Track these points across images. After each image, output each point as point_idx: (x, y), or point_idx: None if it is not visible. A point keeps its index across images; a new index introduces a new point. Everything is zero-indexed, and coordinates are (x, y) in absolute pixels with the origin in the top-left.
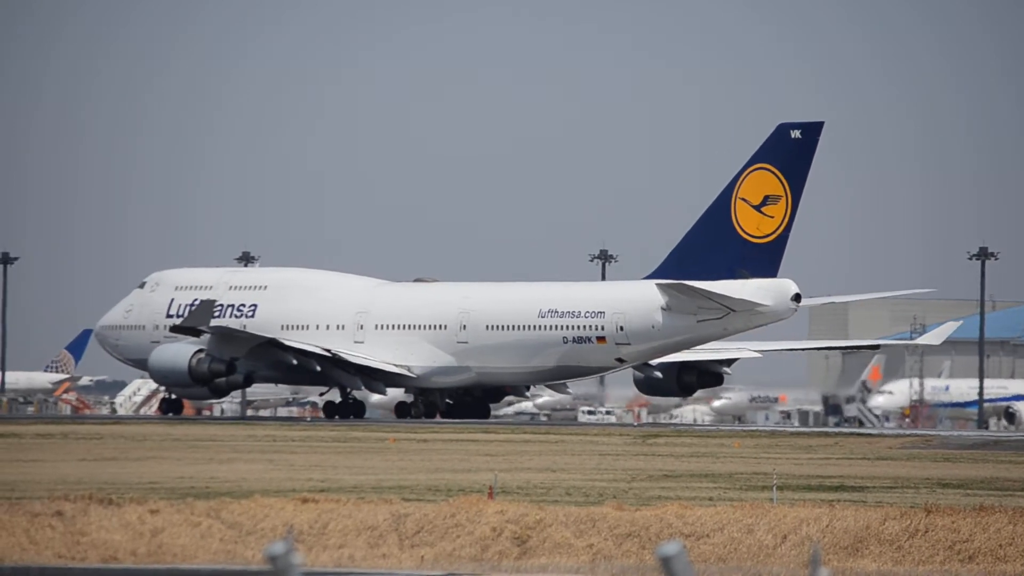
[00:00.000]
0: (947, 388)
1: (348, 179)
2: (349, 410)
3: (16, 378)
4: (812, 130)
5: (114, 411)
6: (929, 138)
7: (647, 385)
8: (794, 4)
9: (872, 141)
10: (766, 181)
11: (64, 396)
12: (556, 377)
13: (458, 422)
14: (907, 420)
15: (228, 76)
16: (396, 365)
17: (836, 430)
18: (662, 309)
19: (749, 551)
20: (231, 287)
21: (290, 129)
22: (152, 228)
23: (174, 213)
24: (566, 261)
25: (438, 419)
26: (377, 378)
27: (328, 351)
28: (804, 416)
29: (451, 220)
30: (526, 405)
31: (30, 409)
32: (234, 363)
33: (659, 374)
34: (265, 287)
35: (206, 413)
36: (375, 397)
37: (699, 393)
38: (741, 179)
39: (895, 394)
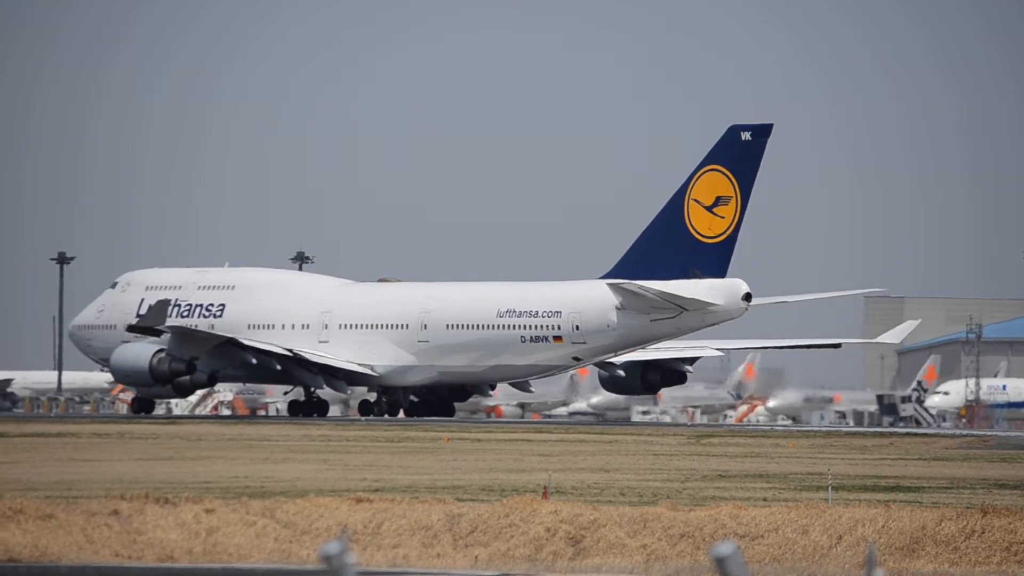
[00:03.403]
0: (1004, 388)
1: (334, 180)
2: (313, 408)
3: (73, 378)
4: (762, 132)
5: (170, 411)
6: (928, 138)
7: (611, 384)
8: (786, 4)
9: (871, 141)
10: (718, 182)
11: (121, 396)
12: (515, 376)
13: (422, 420)
14: (963, 420)
15: (223, 76)
16: (359, 364)
17: (891, 430)
18: (616, 308)
19: (804, 552)
20: (200, 287)
21: (283, 131)
22: (203, 226)
23: (175, 212)
24: (538, 259)
25: (401, 417)
26: (339, 377)
27: (290, 351)
28: (859, 416)
29: (429, 220)
30: (580, 405)
31: (87, 408)
32: (194, 362)
33: (622, 373)
34: (233, 287)
35: (260, 413)
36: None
37: (755, 391)
38: (694, 180)
39: (951, 394)
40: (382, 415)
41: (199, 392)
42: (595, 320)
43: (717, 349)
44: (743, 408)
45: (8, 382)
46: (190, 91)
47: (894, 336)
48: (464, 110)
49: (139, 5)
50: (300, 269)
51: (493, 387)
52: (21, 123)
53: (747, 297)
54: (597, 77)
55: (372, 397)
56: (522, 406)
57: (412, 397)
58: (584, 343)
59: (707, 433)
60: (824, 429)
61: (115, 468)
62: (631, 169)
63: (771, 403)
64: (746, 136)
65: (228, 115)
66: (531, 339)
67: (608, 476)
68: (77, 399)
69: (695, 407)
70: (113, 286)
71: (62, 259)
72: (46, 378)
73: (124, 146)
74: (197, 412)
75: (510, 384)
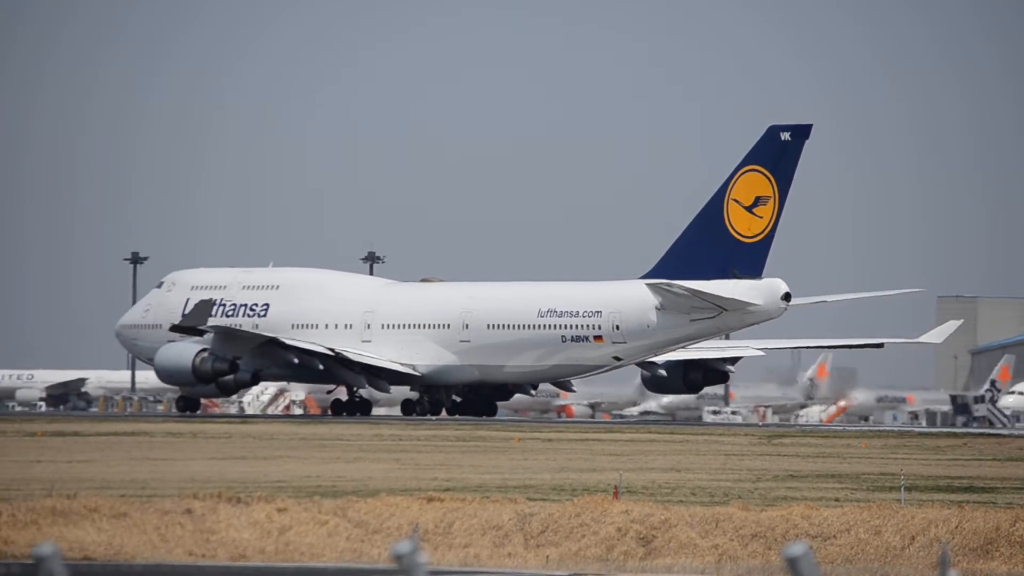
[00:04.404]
0: None
1: (358, 179)
2: (356, 408)
3: (146, 377)
4: (801, 132)
5: (242, 410)
6: (931, 138)
7: (653, 383)
8: (792, 4)
9: (872, 141)
10: (757, 182)
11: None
12: (556, 375)
13: (464, 420)
14: None
15: (225, 77)
16: (401, 364)
17: (965, 430)
18: (656, 308)
19: (876, 552)
20: (244, 287)
21: (295, 130)
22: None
23: (241, 212)
24: (568, 260)
25: (444, 416)
26: (381, 376)
27: (332, 350)
28: (932, 416)
29: (462, 220)
30: (650, 405)
31: (160, 408)
32: (236, 362)
33: (664, 372)
34: (277, 287)
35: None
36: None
37: (825, 393)
38: (733, 180)
39: None
40: (424, 415)
41: (271, 391)
42: (635, 320)
43: (759, 349)
44: (833, 408)
45: (83, 381)
46: (193, 91)
47: (936, 336)
48: (499, 110)
49: (141, 5)
50: (371, 269)
51: (535, 387)
52: (75, 121)
53: (786, 297)
54: (629, 76)
55: (415, 396)
56: (592, 406)
57: (455, 397)
58: (624, 343)
59: (778, 433)
60: (897, 429)
61: (188, 467)
62: (670, 169)
63: (843, 403)
64: (785, 136)
65: (228, 114)
66: (572, 339)
67: (679, 476)
68: (151, 398)
69: (766, 407)
70: (159, 286)
71: (135, 259)
72: (120, 377)
73: (188, 146)
74: (269, 411)
75: (552, 384)
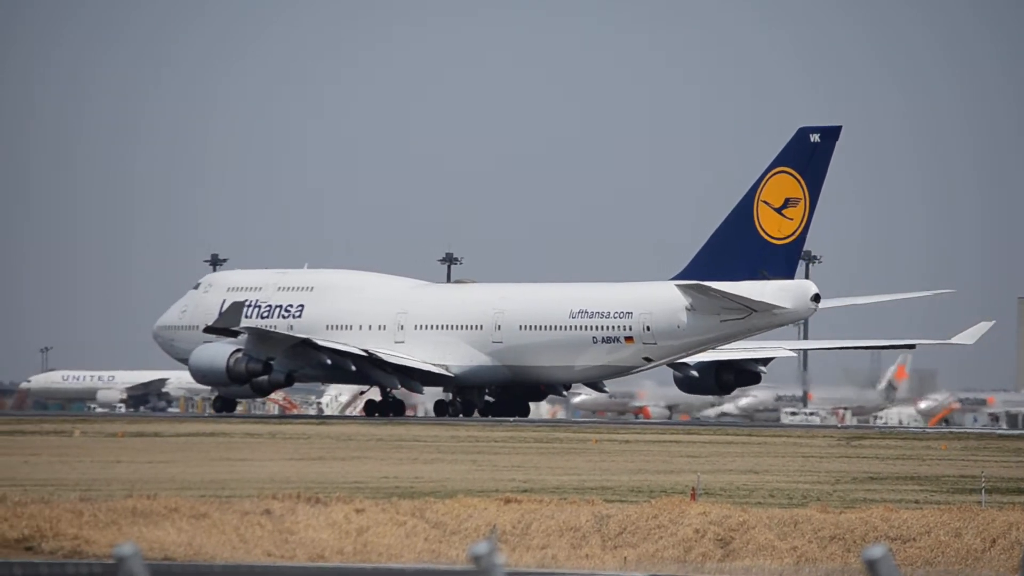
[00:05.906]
0: None
1: (417, 182)
2: (389, 408)
3: None
4: (831, 134)
5: (321, 411)
6: (933, 141)
7: (685, 384)
8: (805, 9)
9: (882, 146)
10: (787, 184)
11: (271, 396)
12: (587, 376)
13: (496, 420)
14: None
15: (229, 77)
16: (434, 364)
17: None
18: (686, 309)
19: (957, 555)
20: (280, 288)
21: (303, 130)
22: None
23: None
24: (595, 261)
25: (476, 417)
26: (414, 377)
27: (365, 351)
28: (1013, 419)
29: (501, 223)
30: (728, 407)
31: (239, 408)
32: (270, 362)
33: (696, 373)
34: (311, 288)
35: (408, 414)
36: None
37: (904, 394)
38: (763, 182)
39: None
40: (457, 415)
41: (349, 392)
42: (665, 321)
43: (790, 350)
44: (940, 408)
45: (163, 382)
46: (259, 94)
47: (968, 337)
48: (529, 112)
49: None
50: (449, 271)
51: (567, 387)
52: (141, 122)
53: (816, 298)
54: (657, 78)
55: (448, 397)
56: (670, 408)
57: (488, 397)
58: (655, 343)
59: (858, 435)
60: (977, 431)
61: (267, 468)
62: (700, 171)
63: (923, 405)
64: (815, 138)
65: (226, 116)
66: (603, 340)
67: (757, 477)
68: None
69: (845, 409)
70: (196, 287)
71: (214, 261)
72: None
73: (267, 148)
74: (347, 412)
75: (584, 384)
